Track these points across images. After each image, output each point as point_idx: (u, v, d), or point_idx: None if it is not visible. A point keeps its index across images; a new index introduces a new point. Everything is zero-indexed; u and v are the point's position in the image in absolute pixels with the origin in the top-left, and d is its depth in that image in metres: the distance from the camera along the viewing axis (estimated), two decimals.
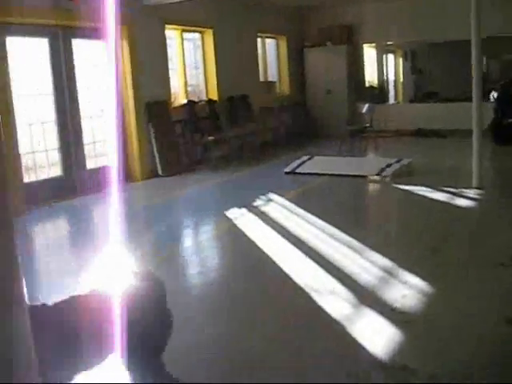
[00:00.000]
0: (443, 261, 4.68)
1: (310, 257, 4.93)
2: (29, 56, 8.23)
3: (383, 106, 13.91)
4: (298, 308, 3.94)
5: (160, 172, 9.60)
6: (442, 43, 13.91)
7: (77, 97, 8.70)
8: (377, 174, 8.20)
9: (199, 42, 11.16)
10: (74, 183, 8.64)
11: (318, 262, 4.76)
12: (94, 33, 8.66)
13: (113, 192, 7.98)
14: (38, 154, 8.45)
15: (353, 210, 6.94)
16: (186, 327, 3.43)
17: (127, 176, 9.34)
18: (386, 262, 4.67)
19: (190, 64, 11.08)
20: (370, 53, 15.36)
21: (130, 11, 8.99)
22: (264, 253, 5.16)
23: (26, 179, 8.22)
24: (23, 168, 8.17)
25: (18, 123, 7.83)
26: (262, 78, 13.04)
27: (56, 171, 8.63)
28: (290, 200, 7.17)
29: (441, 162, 9.28)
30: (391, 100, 16.41)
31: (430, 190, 7.33)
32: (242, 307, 3.99)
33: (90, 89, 9.03)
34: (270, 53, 13.53)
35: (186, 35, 10.95)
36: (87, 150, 8.96)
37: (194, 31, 11.03)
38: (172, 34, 10.55)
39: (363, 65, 14.53)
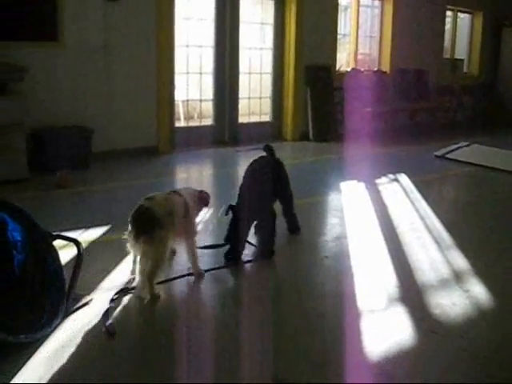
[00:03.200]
0: None
1: (387, 242, 4.64)
2: (195, 10, 8.56)
3: None
4: (336, 287, 3.76)
5: (311, 136, 9.57)
6: None
7: (237, 52, 8.93)
8: None
9: (377, 10, 10.73)
10: (224, 134, 8.96)
11: (389, 249, 4.47)
12: None
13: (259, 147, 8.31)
14: (192, 102, 8.88)
15: (473, 206, 6.32)
16: None
17: (278, 135, 9.50)
18: (464, 265, 4.23)
19: (364, 31, 10.75)
20: None
21: None
22: (345, 225, 5.05)
23: (178, 124, 8.71)
24: (177, 113, 8.68)
25: (177, 72, 8.26)
26: (447, 55, 12.22)
27: (208, 121, 9.00)
28: (416, 184, 6.75)
29: None
30: None
31: None
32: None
33: (252, 46, 9.20)
34: (462, 28, 12.58)
35: (365, 1, 10.60)
36: (241, 104, 9.18)
37: None
38: None
39: None
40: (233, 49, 8.86)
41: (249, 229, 4.07)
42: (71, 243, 3.54)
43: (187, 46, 8.45)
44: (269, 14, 9.33)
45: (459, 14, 12.39)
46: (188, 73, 8.57)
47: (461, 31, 12.59)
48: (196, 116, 9.24)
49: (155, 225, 3.29)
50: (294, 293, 3.68)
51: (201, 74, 8.72)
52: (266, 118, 9.63)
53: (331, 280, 3.93)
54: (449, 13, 12.03)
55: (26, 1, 6.79)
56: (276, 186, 4.35)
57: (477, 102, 12.44)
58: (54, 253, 3.35)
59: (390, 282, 3.87)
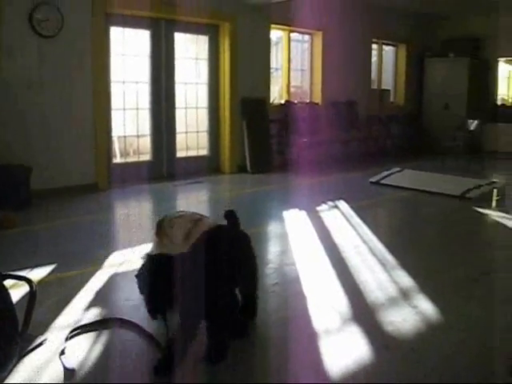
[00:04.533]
0: (473, 294, 4.29)
1: (334, 265, 4.77)
2: (130, 46, 8.62)
3: (507, 125, 12.95)
4: (288, 310, 3.83)
5: (248, 168, 9.70)
6: None
7: (173, 87, 9.02)
8: (461, 195, 7.73)
9: (307, 44, 11.10)
10: (162, 169, 8.97)
11: (338, 273, 4.59)
12: (196, 28, 8.99)
13: (197, 180, 8.41)
14: (130, 138, 8.88)
15: (410, 227, 6.58)
16: None
17: (216, 168, 9.59)
18: (409, 283, 4.40)
19: (295, 65, 11.08)
20: (506, 69, 14.51)
21: (234, 8, 9.18)
22: (292, 252, 5.16)
23: (116, 160, 8.69)
24: (114, 149, 8.66)
25: (114, 108, 8.27)
26: (374, 86, 12.72)
27: (146, 156, 9.00)
28: (355, 209, 6.96)
29: None
30: None
31: (510, 217, 6.79)
32: None
33: (187, 81, 9.31)
34: (387, 60, 13.14)
35: (295, 36, 10.94)
36: (179, 138, 9.24)
37: (302, 33, 10.99)
38: (279, 34, 10.59)
39: (494, 81, 13.67)
40: (168, 84, 8.96)
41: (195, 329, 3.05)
42: (20, 282, 3.47)
43: (123, 82, 8.47)
44: (203, 49, 9.49)
45: (384, 46, 12.94)
46: (125, 109, 8.57)
47: (386, 63, 13.14)
48: (133, 152, 9.23)
49: None
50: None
51: (137, 109, 8.75)
52: (204, 151, 9.72)
53: (284, 305, 3.99)
54: (374, 46, 12.55)
55: None
56: (235, 269, 3.23)
57: (404, 130, 12.96)
58: (4, 292, 3.27)
59: (341, 303, 3.97)
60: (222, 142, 9.68)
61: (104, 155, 8.08)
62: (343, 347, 3.31)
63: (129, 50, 8.61)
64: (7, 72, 7.06)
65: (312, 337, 3.44)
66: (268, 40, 10.10)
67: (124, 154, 9.05)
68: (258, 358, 3.23)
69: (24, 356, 3.11)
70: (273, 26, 10.20)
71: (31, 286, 3.36)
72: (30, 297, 3.34)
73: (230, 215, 3.49)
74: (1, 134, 7.00)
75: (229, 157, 9.63)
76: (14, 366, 2.99)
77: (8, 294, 3.26)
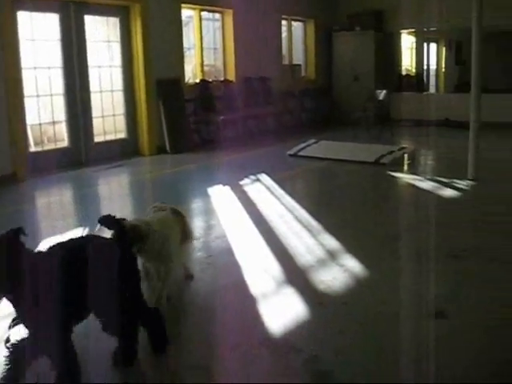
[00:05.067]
0: (393, 250, 4.60)
1: (263, 234, 4.97)
2: (39, 30, 8.42)
3: (414, 94, 13.55)
4: (225, 279, 3.99)
5: (168, 149, 9.73)
6: (492, 33, 13.33)
7: (87, 71, 8.89)
8: (375, 161, 8.12)
9: (219, 23, 11.18)
10: (80, 155, 8.87)
11: (268, 241, 4.79)
12: (106, 9, 8.88)
13: (117, 164, 8.38)
14: (45, 125, 8.70)
15: (330, 194, 6.90)
16: None
17: (135, 151, 9.57)
18: (335, 245, 4.66)
19: (208, 43, 11.14)
20: (409, 41, 15.14)
21: None
22: (221, 226, 5.31)
23: (32, 149, 8.51)
24: (30, 138, 8.47)
25: (26, 95, 8.07)
26: (286, 61, 12.98)
27: (63, 143, 8.86)
28: (277, 181, 7.19)
29: (448, 153, 9.07)
30: (432, 90, 16.03)
31: (421, 178, 7.23)
32: None
33: (101, 64, 9.21)
34: (297, 36, 13.42)
35: (206, 15, 10.99)
36: (96, 123, 9.14)
37: (213, 11, 11.06)
38: (190, 13, 10.62)
39: (398, 52, 14.24)
40: (82, 68, 8.82)
41: None
42: None
43: (35, 68, 8.27)
44: (115, 31, 9.40)
45: (293, 22, 13.20)
46: (38, 95, 8.39)
47: (296, 39, 13.41)
48: (50, 139, 9.05)
49: None
50: (186, 292, 3.86)
51: (51, 95, 8.58)
52: (122, 135, 9.66)
53: (220, 275, 4.15)
54: (284, 22, 12.77)
55: None
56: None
57: (317, 103, 13.32)
58: None
59: (273, 268, 4.18)
60: (140, 124, 9.66)
61: (20, 144, 7.89)
62: (280, 308, 3.51)
63: (38, 34, 8.40)
64: None
65: (250, 301, 3.62)
66: (179, 20, 10.11)
67: (40, 142, 8.86)
68: (200, 323, 3.37)
69: None
70: (183, 5, 10.21)
71: None
72: None
73: (110, 222, 2.90)
74: None
75: (147, 139, 9.62)
76: None
77: None
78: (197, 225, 5.48)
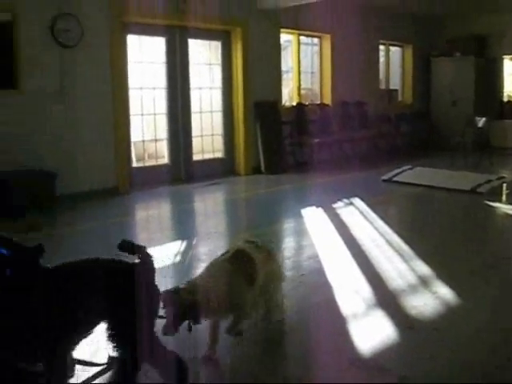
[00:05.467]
0: (488, 279, 4.52)
1: (355, 257, 5.01)
2: (146, 53, 8.91)
3: None
4: (316, 297, 4.07)
5: (263, 169, 9.94)
6: None
7: (188, 93, 9.28)
8: (471, 189, 7.96)
9: (317, 47, 11.35)
10: (180, 172, 9.24)
11: (359, 264, 4.83)
12: (209, 34, 9.26)
13: (213, 182, 8.69)
14: (148, 142, 9.15)
15: (424, 220, 6.82)
16: None
17: (231, 170, 9.85)
18: (427, 271, 4.64)
19: (305, 67, 11.33)
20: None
21: (245, 14, 9.45)
22: (314, 246, 5.40)
23: (135, 164, 8.95)
24: (133, 154, 8.93)
25: (132, 113, 8.55)
26: (382, 86, 12.97)
27: (163, 160, 9.27)
28: (370, 205, 7.20)
29: None
30: None
31: None
32: None
33: (202, 86, 9.58)
34: (394, 60, 13.39)
35: (304, 39, 11.20)
36: (195, 142, 9.51)
37: (311, 36, 11.25)
38: (289, 37, 10.86)
39: (500, 78, 13.87)
40: (184, 89, 9.23)
41: None
42: None
43: (141, 88, 8.74)
44: (216, 54, 9.77)
45: (391, 47, 13.19)
46: (143, 114, 8.85)
47: (393, 63, 13.38)
48: (152, 156, 9.49)
49: None
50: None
51: (155, 114, 9.02)
52: (219, 154, 9.97)
53: (312, 294, 4.24)
54: (381, 47, 12.80)
55: None
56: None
57: (412, 128, 13.17)
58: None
59: (364, 290, 4.22)
60: (237, 145, 9.94)
61: (124, 160, 8.35)
62: (370, 329, 3.55)
63: (145, 57, 8.89)
64: (31, 82, 7.33)
65: (340, 320, 3.69)
66: (278, 44, 10.36)
67: (142, 158, 9.31)
68: (291, 339, 3.47)
69: None
70: (282, 30, 10.46)
71: None
72: None
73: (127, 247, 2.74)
74: (28, 141, 7.27)
75: (243, 159, 9.88)
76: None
77: None
78: (290, 245, 5.60)
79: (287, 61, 11.17)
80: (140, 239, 6.08)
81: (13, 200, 6.74)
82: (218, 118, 9.88)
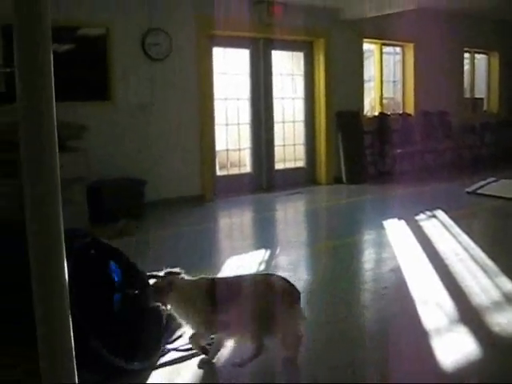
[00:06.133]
0: None
1: (437, 271, 5.01)
2: (231, 64, 9.17)
3: None
4: (398, 310, 4.13)
5: (344, 179, 10.00)
6: None
7: (271, 103, 9.47)
8: None
9: (399, 56, 11.30)
10: (262, 181, 9.44)
11: (442, 278, 4.83)
12: (292, 45, 9.43)
13: (295, 191, 8.84)
14: (231, 151, 9.40)
15: (508, 236, 6.68)
16: None
17: (312, 179, 9.96)
18: None
19: (387, 76, 11.30)
20: None
21: (328, 25, 9.54)
22: (396, 259, 5.41)
23: (218, 172, 9.22)
24: (217, 162, 9.20)
25: (217, 123, 8.83)
26: (467, 95, 12.72)
27: (246, 168, 9.50)
28: (453, 218, 7.12)
29: None
30: None
31: None
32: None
33: (284, 96, 9.75)
34: (479, 68, 13.10)
35: (386, 48, 11.18)
36: (276, 151, 9.68)
37: (394, 45, 11.21)
38: (371, 47, 10.87)
39: None
40: (267, 100, 9.43)
41: None
42: None
43: (226, 99, 9.01)
44: (299, 65, 9.92)
45: (476, 55, 12.92)
46: (227, 124, 9.10)
47: (479, 71, 13.10)
48: (235, 164, 9.74)
49: None
50: (359, 316, 4.06)
51: (238, 124, 9.26)
52: (301, 163, 10.10)
53: (393, 305, 4.29)
54: (466, 54, 12.57)
55: (82, 65, 7.43)
56: None
57: (498, 138, 12.85)
58: (150, 290, 3.74)
59: (447, 305, 4.23)
60: (318, 154, 10.05)
61: (209, 168, 8.63)
62: (452, 344, 3.58)
63: (230, 68, 9.15)
64: (123, 93, 7.72)
65: (423, 334, 3.73)
66: (361, 54, 10.40)
67: (226, 166, 9.57)
68: (373, 350, 3.55)
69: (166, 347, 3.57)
70: (365, 40, 10.48)
71: None
72: None
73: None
74: (120, 150, 7.66)
75: (325, 168, 9.98)
76: (161, 354, 3.45)
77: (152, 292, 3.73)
78: (372, 257, 5.65)
79: (369, 70, 11.17)
80: (224, 246, 6.32)
81: (105, 206, 7.13)
82: (300, 128, 10.03)
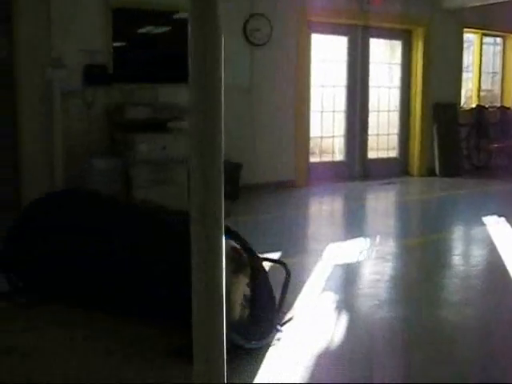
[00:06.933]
0: None
1: None
2: (329, 52, 9.15)
3: None
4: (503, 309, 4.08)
5: (437, 171, 9.82)
6: None
7: (367, 91, 9.40)
8: None
9: (499, 47, 10.94)
10: (354, 169, 9.41)
11: None
12: (390, 33, 9.30)
13: (387, 182, 8.77)
14: (325, 139, 9.40)
15: None
16: None
17: (405, 170, 9.85)
18: None
19: (485, 68, 10.97)
20: None
21: (428, 14, 9.35)
22: (500, 258, 5.29)
23: (312, 159, 9.24)
24: (311, 149, 9.23)
25: (312, 110, 8.85)
26: None
27: (339, 156, 9.48)
28: None
29: None
30: None
31: None
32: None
33: (380, 85, 9.65)
34: None
35: (486, 39, 10.84)
36: (370, 140, 9.62)
37: (494, 35, 10.86)
38: (470, 37, 10.57)
39: None
40: (363, 88, 9.36)
41: None
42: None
43: (322, 86, 9.01)
44: (397, 53, 9.78)
45: None
46: (322, 111, 9.11)
47: None
48: (328, 152, 9.72)
49: None
50: (464, 306, 4.02)
51: (333, 112, 9.24)
52: (393, 153, 9.99)
53: (499, 304, 4.21)
54: None
55: (184, 49, 7.57)
56: None
57: None
58: (266, 274, 3.83)
59: None
60: (412, 145, 9.90)
61: (303, 154, 8.67)
62: None
63: (327, 55, 9.13)
64: (224, 78, 7.83)
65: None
66: (461, 44, 10.13)
67: (319, 153, 9.58)
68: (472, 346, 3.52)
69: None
70: (466, 29, 10.20)
71: (287, 270, 3.89)
72: (286, 279, 3.86)
73: None
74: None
75: (418, 160, 9.82)
76: (274, 334, 3.54)
77: (268, 276, 3.82)
78: (474, 253, 5.56)
79: (466, 60, 10.87)
80: (321, 232, 6.36)
81: None
82: (394, 118, 9.91)
